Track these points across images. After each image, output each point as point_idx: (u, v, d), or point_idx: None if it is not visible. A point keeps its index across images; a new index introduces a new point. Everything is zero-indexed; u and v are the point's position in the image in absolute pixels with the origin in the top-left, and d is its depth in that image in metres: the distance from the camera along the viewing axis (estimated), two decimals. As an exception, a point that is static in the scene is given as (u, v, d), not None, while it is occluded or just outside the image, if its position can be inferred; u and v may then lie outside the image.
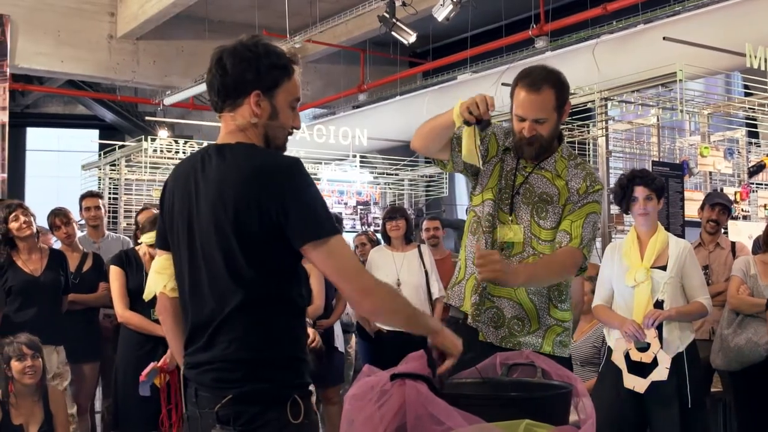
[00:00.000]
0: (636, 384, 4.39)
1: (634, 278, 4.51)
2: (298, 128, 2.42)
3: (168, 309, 2.48)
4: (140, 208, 7.17)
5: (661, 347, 4.36)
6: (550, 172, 3.17)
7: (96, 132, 17.73)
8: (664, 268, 4.52)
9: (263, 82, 2.29)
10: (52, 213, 6.07)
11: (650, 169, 6.36)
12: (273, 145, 2.36)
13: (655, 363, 4.36)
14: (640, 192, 4.57)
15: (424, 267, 6.60)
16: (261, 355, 2.22)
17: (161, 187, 2.57)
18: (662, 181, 4.82)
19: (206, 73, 2.36)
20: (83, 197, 7.13)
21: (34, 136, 18.74)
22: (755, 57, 6.55)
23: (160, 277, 2.47)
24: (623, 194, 4.65)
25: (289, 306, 2.29)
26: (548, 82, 3.04)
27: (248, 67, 2.27)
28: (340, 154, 11.05)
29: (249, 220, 2.18)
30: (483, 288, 3.15)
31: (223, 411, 2.18)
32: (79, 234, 6.37)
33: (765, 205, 7.07)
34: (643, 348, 4.40)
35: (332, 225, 2.22)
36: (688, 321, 4.53)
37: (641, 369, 4.40)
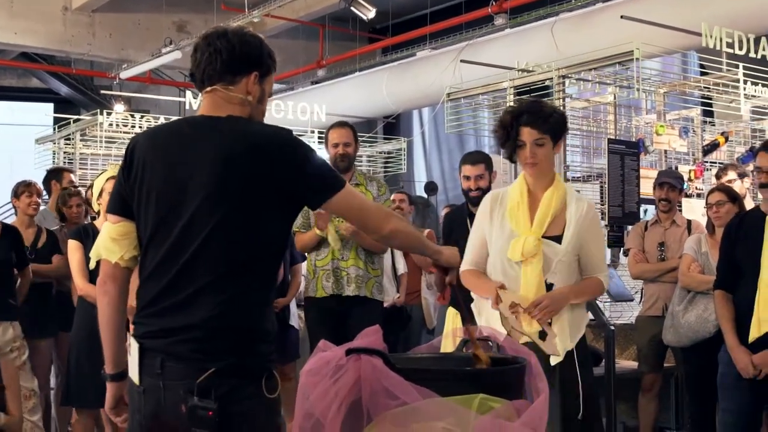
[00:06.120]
0: None
1: (521, 251, 3.48)
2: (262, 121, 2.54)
3: (117, 279, 2.41)
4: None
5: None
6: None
7: (51, 105, 17.45)
8: (559, 238, 3.55)
9: (262, 66, 2.43)
10: (24, 183, 5.95)
11: (606, 147, 6.43)
12: None
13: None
14: (527, 135, 3.51)
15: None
16: (244, 325, 2.25)
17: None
18: (559, 119, 3.63)
19: (199, 48, 2.40)
20: (60, 171, 7.02)
21: (-13, 109, 18.46)
22: (711, 36, 6.61)
23: (117, 244, 2.39)
24: (507, 136, 3.57)
25: (270, 279, 2.38)
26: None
27: (254, 49, 2.41)
28: (298, 129, 10.94)
29: (259, 188, 2.26)
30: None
31: (203, 383, 2.16)
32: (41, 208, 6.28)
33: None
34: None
35: (342, 177, 2.40)
36: (581, 301, 3.63)
37: None
